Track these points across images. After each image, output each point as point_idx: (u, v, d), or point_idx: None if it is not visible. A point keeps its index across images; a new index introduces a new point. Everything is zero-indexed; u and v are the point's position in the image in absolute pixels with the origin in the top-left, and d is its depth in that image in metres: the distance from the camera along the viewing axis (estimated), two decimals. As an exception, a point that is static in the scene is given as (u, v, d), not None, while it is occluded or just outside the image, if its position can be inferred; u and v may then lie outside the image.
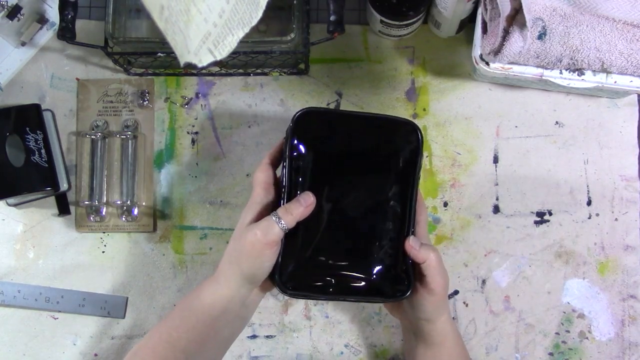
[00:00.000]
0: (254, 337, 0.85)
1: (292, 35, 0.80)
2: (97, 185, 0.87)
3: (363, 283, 0.70)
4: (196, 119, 0.88)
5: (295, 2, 0.81)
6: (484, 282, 0.85)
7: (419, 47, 0.89)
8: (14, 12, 0.83)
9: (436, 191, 0.87)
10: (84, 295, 0.85)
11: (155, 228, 0.87)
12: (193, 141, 0.88)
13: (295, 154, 0.69)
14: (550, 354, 0.84)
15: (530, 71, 0.78)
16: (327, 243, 0.70)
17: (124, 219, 0.87)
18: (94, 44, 0.82)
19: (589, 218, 0.86)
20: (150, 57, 0.83)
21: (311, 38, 0.81)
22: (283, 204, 0.69)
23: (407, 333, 0.77)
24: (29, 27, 0.87)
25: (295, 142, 0.70)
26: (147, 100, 0.88)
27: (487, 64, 0.78)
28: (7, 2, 0.82)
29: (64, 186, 0.85)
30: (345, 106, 0.88)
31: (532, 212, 0.86)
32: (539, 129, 0.87)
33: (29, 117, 0.84)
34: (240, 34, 0.63)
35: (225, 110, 0.88)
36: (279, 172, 0.72)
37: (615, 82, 0.77)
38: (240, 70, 0.88)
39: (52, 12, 0.88)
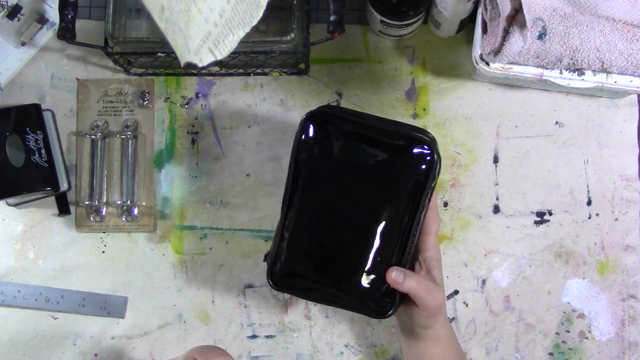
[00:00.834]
0: (254, 337, 0.85)
1: (292, 35, 0.80)
2: (97, 185, 0.87)
3: (347, 297, 0.70)
4: (196, 119, 0.88)
5: (295, 2, 0.81)
6: (484, 282, 0.85)
7: (419, 47, 0.89)
8: (14, 12, 0.83)
9: (436, 191, 0.87)
10: (84, 295, 0.85)
11: (155, 228, 0.87)
12: (193, 141, 0.88)
13: (302, 157, 0.69)
14: (550, 354, 0.84)
15: (530, 71, 0.78)
16: (319, 251, 0.70)
17: (124, 219, 0.87)
18: (94, 44, 0.82)
19: (589, 218, 0.86)
20: (150, 57, 0.83)
21: (311, 38, 0.81)
22: (284, 204, 0.69)
23: (403, 330, 0.77)
24: (29, 27, 0.86)
25: (302, 144, 0.69)
26: (147, 100, 0.88)
27: (487, 64, 0.78)
28: (7, 2, 0.82)
29: (64, 186, 0.85)
30: (345, 106, 0.88)
31: (532, 212, 0.86)
32: (539, 129, 0.87)
33: (29, 117, 0.84)
34: (241, 34, 0.63)
35: (225, 110, 0.88)
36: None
37: (615, 82, 0.77)
38: (240, 70, 0.88)
39: (52, 12, 0.88)
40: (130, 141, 0.87)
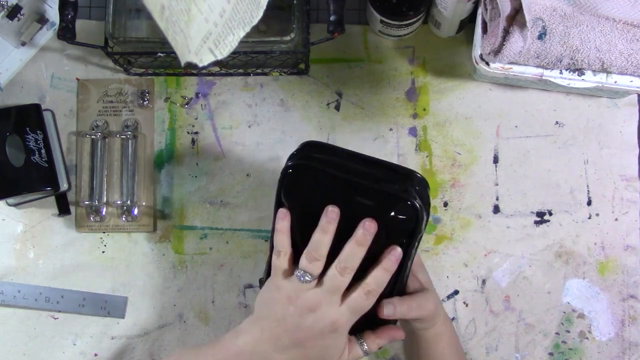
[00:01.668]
0: (254, 337, 0.85)
1: (292, 35, 0.80)
2: (97, 185, 0.87)
3: None
4: (196, 119, 0.88)
5: (295, 2, 0.81)
6: (484, 282, 0.85)
7: (419, 47, 0.89)
8: (14, 12, 0.83)
9: (436, 191, 0.87)
10: (84, 295, 0.85)
11: (155, 228, 0.87)
12: (193, 141, 0.88)
13: (286, 203, 0.65)
14: (550, 354, 0.84)
15: (530, 71, 0.78)
16: None
17: (124, 219, 0.86)
18: (94, 44, 0.82)
19: (589, 218, 0.86)
20: (150, 57, 0.83)
21: (311, 38, 0.81)
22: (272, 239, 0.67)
23: (404, 330, 0.77)
24: (29, 27, 0.87)
25: (285, 194, 0.64)
26: (147, 100, 0.88)
27: (487, 64, 0.78)
28: (7, 2, 0.82)
29: (64, 186, 0.85)
30: (345, 106, 0.88)
31: (532, 212, 0.86)
32: (539, 129, 0.87)
33: (29, 117, 0.84)
34: (241, 34, 0.63)
35: (225, 110, 0.88)
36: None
37: (615, 82, 0.77)
38: (240, 70, 0.88)
39: (52, 12, 0.88)
40: (130, 141, 0.87)
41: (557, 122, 0.88)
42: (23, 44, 0.88)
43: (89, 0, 0.90)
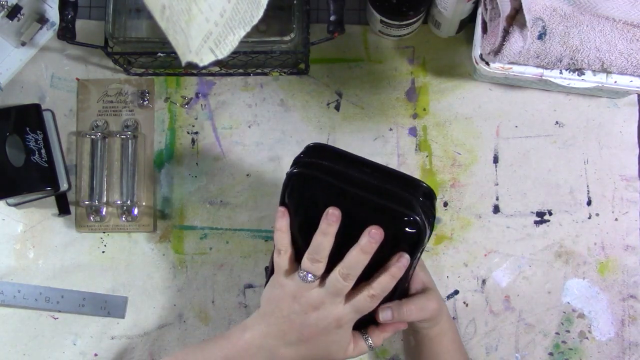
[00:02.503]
0: (254, 337, 0.85)
1: (292, 35, 0.80)
2: (97, 185, 0.87)
3: None
4: (196, 119, 0.88)
5: (295, 2, 0.81)
6: (484, 282, 0.85)
7: (419, 47, 0.89)
8: (14, 12, 0.83)
9: (436, 191, 0.86)
10: (84, 295, 0.85)
11: (155, 228, 0.87)
12: (193, 141, 0.88)
13: (290, 210, 0.64)
14: (550, 354, 0.84)
15: (530, 71, 0.78)
16: None
17: (124, 219, 0.86)
18: (94, 44, 0.82)
19: (589, 218, 0.86)
20: (150, 57, 0.83)
21: (311, 38, 0.81)
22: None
23: (407, 329, 0.77)
24: (29, 27, 0.87)
25: (288, 200, 0.64)
26: (147, 100, 0.88)
27: (487, 64, 0.78)
28: (7, 2, 0.82)
29: (64, 186, 0.85)
30: (345, 106, 0.88)
31: (532, 212, 0.86)
32: (539, 129, 0.87)
33: (29, 117, 0.84)
34: (242, 33, 0.63)
35: (225, 110, 0.88)
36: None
37: (615, 82, 0.78)
38: (240, 70, 0.88)
39: (52, 12, 0.88)
40: (130, 141, 0.87)
41: (557, 122, 0.88)
42: (23, 44, 0.88)
43: (89, 0, 0.90)
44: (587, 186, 0.87)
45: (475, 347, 0.84)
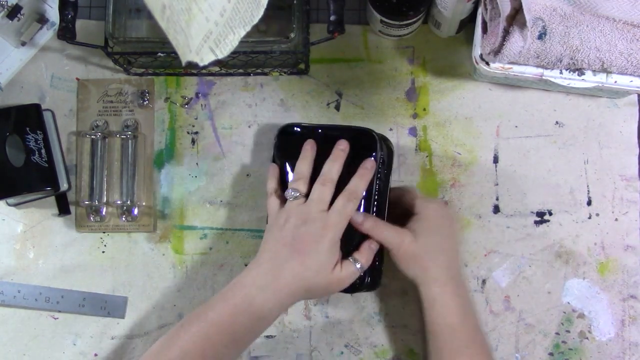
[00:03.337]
0: (254, 337, 0.85)
1: (292, 35, 0.80)
2: (97, 185, 0.87)
3: None
4: (196, 119, 0.88)
5: (295, 2, 0.81)
6: (484, 282, 0.85)
7: (419, 47, 0.89)
8: (14, 12, 0.83)
9: (436, 191, 0.87)
10: (84, 295, 0.85)
11: (155, 228, 0.87)
12: (193, 141, 0.88)
13: (280, 155, 0.80)
14: (550, 354, 0.84)
15: (530, 71, 0.78)
16: None
17: (124, 219, 0.86)
18: (94, 44, 0.82)
19: (589, 218, 0.86)
20: (150, 57, 0.83)
21: (311, 38, 0.81)
22: None
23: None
24: (29, 27, 0.87)
25: (278, 148, 0.80)
26: (147, 100, 0.88)
27: (487, 64, 0.78)
28: (7, 2, 0.82)
29: (64, 186, 0.85)
30: (345, 106, 0.88)
31: (532, 212, 0.86)
32: (539, 129, 0.88)
33: (29, 117, 0.84)
34: (242, 33, 0.64)
35: (225, 110, 0.88)
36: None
37: (615, 82, 0.78)
38: (240, 70, 0.88)
39: (52, 12, 0.88)
40: (130, 141, 0.87)
41: (557, 122, 0.88)
42: (23, 44, 0.88)
43: (89, 0, 0.90)
44: (587, 186, 0.87)
45: (475, 347, 0.84)
